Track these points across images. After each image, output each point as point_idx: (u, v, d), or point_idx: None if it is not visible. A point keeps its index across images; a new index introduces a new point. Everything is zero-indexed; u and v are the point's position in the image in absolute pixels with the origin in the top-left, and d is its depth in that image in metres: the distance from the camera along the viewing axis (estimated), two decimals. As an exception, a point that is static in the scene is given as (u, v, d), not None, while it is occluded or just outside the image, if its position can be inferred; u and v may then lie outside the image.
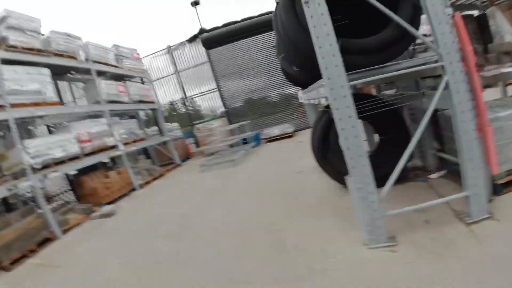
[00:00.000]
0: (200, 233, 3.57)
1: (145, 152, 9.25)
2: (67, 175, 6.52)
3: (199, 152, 10.22)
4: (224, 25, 10.58)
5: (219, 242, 3.17)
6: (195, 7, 11.07)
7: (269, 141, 10.17)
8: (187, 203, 5.03)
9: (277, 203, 3.93)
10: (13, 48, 5.19)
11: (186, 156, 10.62)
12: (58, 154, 5.51)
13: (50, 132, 7.06)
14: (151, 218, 4.71)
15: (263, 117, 11.52)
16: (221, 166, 7.50)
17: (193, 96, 12.14)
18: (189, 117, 12.07)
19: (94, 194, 5.92)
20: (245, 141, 9.74)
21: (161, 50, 11.81)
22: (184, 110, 12.19)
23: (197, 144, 10.50)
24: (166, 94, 12.35)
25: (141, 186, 7.29)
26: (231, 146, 9.51)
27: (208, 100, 11.98)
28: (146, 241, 3.77)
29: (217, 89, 11.62)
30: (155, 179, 7.83)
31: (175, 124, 11.20)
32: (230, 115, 11.66)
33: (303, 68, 3.59)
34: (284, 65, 4.09)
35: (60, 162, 5.48)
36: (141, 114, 10.67)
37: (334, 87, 2.23)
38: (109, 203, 5.89)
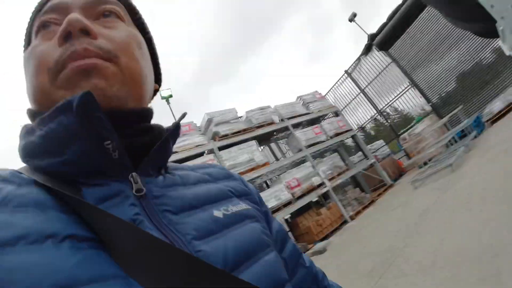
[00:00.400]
0: (404, 269, 3.03)
1: (354, 180, 9.21)
2: (285, 219, 7.65)
3: (412, 165, 8.91)
4: (390, 17, 9.50)
5: (422, 280, 2.59)
6: (354, 20, 10.77)
7: (494, 121, 7.32)
8: (395, 231, 4.42)
9: (505, 216, 2.76)
10: (224, 136, 7.25)
11: (399, 173, 9.59)
12: (272, 203, 6.68)
13: (268, 186, 8.73)
14: (355, 253, 4.49)
15: (480, 92, 8.50)
16: (436, 176, 6.11)
17: (388, 104, 11.13)
18: (392, 129, 11.04)
19: (308, 232, 6.50)
20: (463, 133, 7.49)
21: (340, 78, 12.04)
22: (387, 123, 11.31)
23: (408, 156, 9.19)
24: (362, 115, 12.07)
25: (352, 217, 7.24)
26: (447, 146, 7.61)
27: (407, 102, 10.55)
28: (348, 279, 3.62)
29: (411, 85, 10.09)
30: (365, 207, 7.54)
31: (380, 142, 10.49)
32: (438, 107, 9.56)
33: (469, 19, 2.65)
34: (456, 24, 3.17)
35: (276, 210, 6.59)
36: (349, 141, 10.98)
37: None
38: (322, 239, 6.24)
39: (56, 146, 0.35)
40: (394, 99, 10.98)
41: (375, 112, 11.50)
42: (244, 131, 7.84)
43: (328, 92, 12.41)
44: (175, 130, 0.44)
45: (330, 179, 7.98)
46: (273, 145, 11.13)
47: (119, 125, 0.37)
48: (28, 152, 0.37)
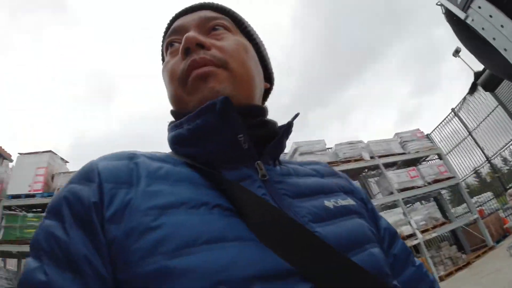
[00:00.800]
0: None
1: (454, 236, 9.46)
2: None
3: (514, 227, 8.74)
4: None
5: None
6: (458, 56, 11.06)
7: None
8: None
9: None
10: (304, 168, 8.60)
11: (504, 234, 9.42)
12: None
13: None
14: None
15: None
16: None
17: (496, 154, 11.03)
18: (500, 181, 10.85)
19: (389, 286, 7.33)
20: None
21: (446, 117, 12.23)
22: (496, 174, 11.20)
23: (516, 216, 9.05)
24: (470, 161, 12.01)
25: (441, 278, 7.59)
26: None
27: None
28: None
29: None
30: (458, 269, 7.83)
31: (488, 194, 10.40)
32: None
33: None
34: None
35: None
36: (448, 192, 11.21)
37: None
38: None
39: (201, 138, 0.53)
40: (503, 148, 10.84)
41: (485, 159, 11.41)
42: (329, 164, 9.01)
43: (432, 131, 12.49)
44: (288, 128, 0.61)
45: (422, 231, 8.28)
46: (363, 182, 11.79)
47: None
48: (177, 141, 0.57)
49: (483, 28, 1.96)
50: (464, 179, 11.44)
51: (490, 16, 1.95)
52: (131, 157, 0.51)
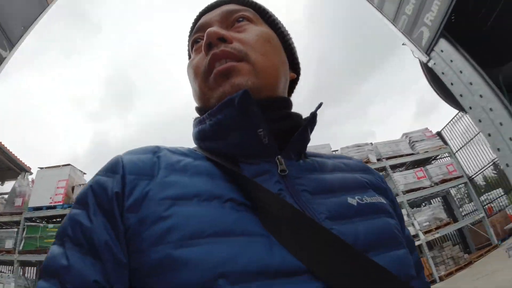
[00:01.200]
0: None
1: (461, 234, 10.00)
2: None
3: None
4: None
5: None
6: None
7: None
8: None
9: None
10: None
11: (510, 232, 9.53)
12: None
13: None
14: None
15: None
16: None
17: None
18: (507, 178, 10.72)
19: (390, 288, 8.20)
20: None
21: (457, 113, 11.76)
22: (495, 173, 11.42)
23: (522, 214, 9.25)
24: (481, 158, 11.71)
25: (441, 278, 8.15)
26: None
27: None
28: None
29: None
30: (459, 269, 8.31)
31: (499, 191, 10.85)
32: None
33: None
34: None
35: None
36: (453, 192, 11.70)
37: None
38: (401, 295, 7.90)
39: (222, 132, 0.57)
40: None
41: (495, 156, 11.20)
42: (334, 168, 9.81)
43: (443, 128, 12.43)
44: (312, 119, 0.62)
45: (425, 232, 8.92)
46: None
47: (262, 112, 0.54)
48: (200, 136, 0.61)
49: (443, 73, 2.00)
50: (474, 177, 11.66)
51: (451, 61, 1.98)
52: (155, 151, 0.57)
